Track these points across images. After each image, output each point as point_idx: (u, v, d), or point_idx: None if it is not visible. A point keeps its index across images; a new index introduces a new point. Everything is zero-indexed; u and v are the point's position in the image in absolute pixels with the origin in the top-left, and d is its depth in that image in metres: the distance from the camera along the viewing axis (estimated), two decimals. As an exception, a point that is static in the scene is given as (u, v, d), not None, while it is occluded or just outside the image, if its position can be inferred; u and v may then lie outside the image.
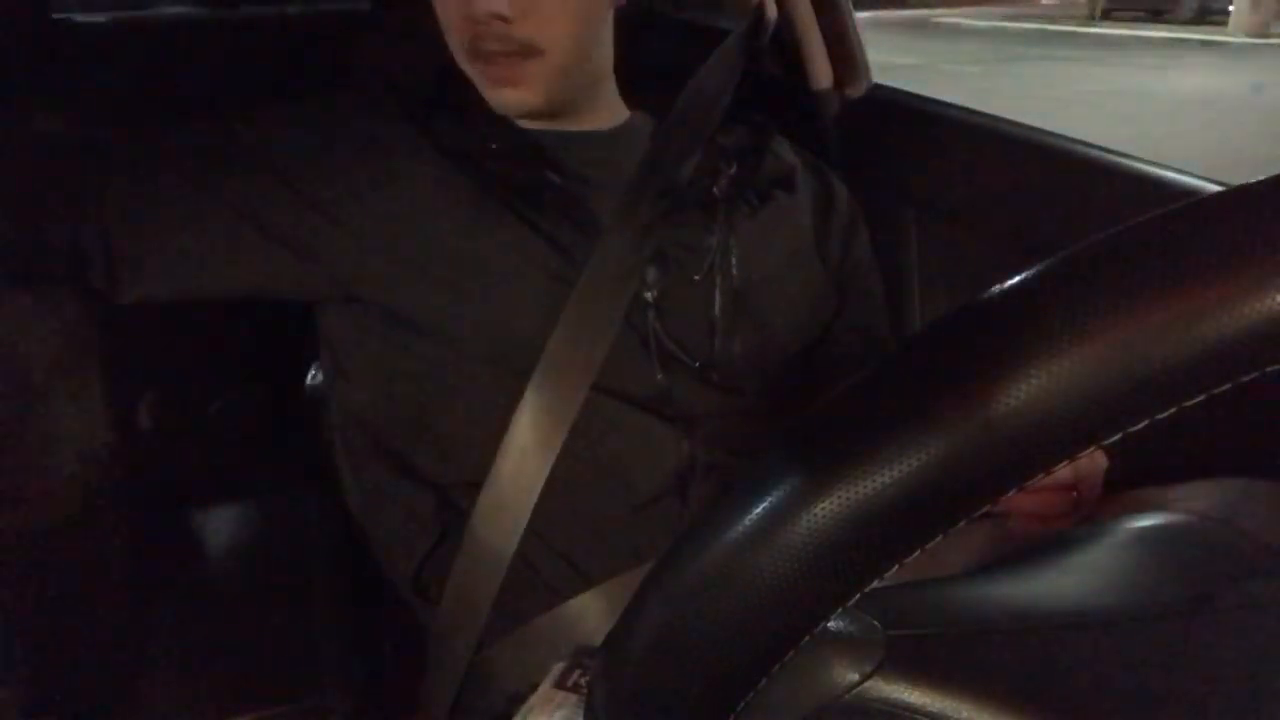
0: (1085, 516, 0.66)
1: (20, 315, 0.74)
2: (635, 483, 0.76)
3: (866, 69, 1.21)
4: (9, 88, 1.20)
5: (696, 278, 0.80)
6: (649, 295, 0.78)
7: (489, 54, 0.76)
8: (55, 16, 1.38)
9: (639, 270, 0.77)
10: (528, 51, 0.75)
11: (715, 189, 0.83)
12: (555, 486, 0.75)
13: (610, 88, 0.87)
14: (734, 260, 0.81)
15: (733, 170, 0.85)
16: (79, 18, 1.41)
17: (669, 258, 0.79)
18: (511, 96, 0.78)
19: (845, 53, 1.20)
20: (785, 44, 1.21)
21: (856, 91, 1.21)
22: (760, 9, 1.11)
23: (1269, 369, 0.23)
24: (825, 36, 1.20)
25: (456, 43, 0.77)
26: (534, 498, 0.74)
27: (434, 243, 0.75)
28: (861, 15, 1.23)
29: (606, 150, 0.84)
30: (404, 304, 0.76)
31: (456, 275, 0.75)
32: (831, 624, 0.31)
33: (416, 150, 0.78)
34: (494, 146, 0.79)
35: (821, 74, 1.21)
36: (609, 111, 0.87)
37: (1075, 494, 0.66)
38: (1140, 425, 0.24)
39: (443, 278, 0.75)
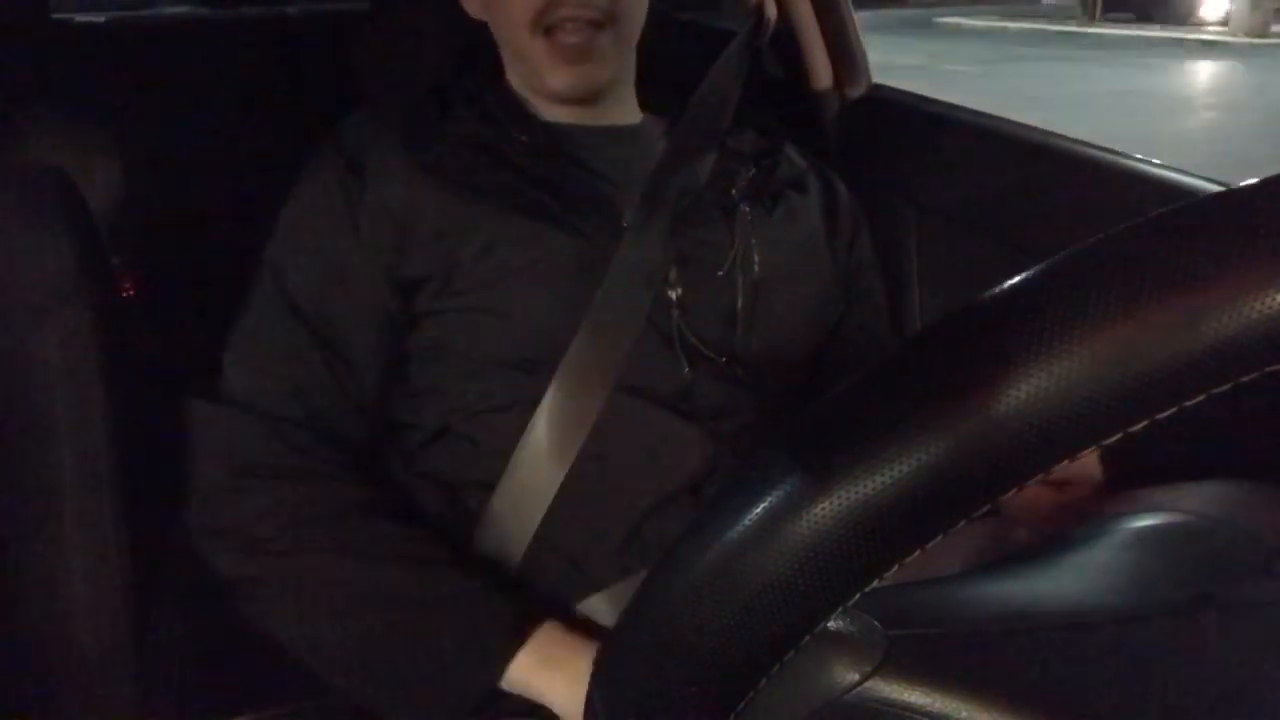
0: (1081, 516, 0.66)
1: (21, 319, 0.74)
2: (653, 483, 0.76)
3: (866, 69, 1.21)
4: (9, 88, 1.20)
5: (720, 273, 0.80)
6: (673, 294, 0.78)
7: (563, 23, 0.75)
8: (55, 16, 1.38)
9: (663, 271, 0.77)
10: (604, 20, 0.76)
11: (734, 191, 0.83)
12: (566, 491, 0.74)
13: (632, 83, 0.88)
14: (755, 257, 0.82)
15: (750, 174, 0.85)
16: (79, 18, 1.41)
17: (690, 256, 0.80)
18: (580, 74, 0.78)
19: (845, 53, 1.20)
20: (785, 44, 1.21)
21: (856, 91, 1.21)
22: (760, 9, 1.12)
23: (1269, 369, 0.23)
24: (825, 36, 1.20)
25: (521, 16, 0.76)
26: (547, 501, 0.74)
27: (461, 255, 0.75)
28: (861, 14, 1.23)
29: (628, 147, 0.84)
30: (434, 333, 0.77)
31: (484, 290, 0.75)
32: (831, 624, 0.31)
33: (439, 148, 0.78)
34: (524, 139, 0.79)
35: (821, 74, 1.21)
36: (630, 108, 0.88)
37: (1071, 493, 0.66)
38: (1140, 425, 0.24)
39: (471, 297, 0.75)
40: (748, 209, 0.83)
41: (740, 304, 0.80)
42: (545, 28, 0.76)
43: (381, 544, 0.71)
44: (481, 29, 0.85)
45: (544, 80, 0.79)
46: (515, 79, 0.85)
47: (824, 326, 0.90)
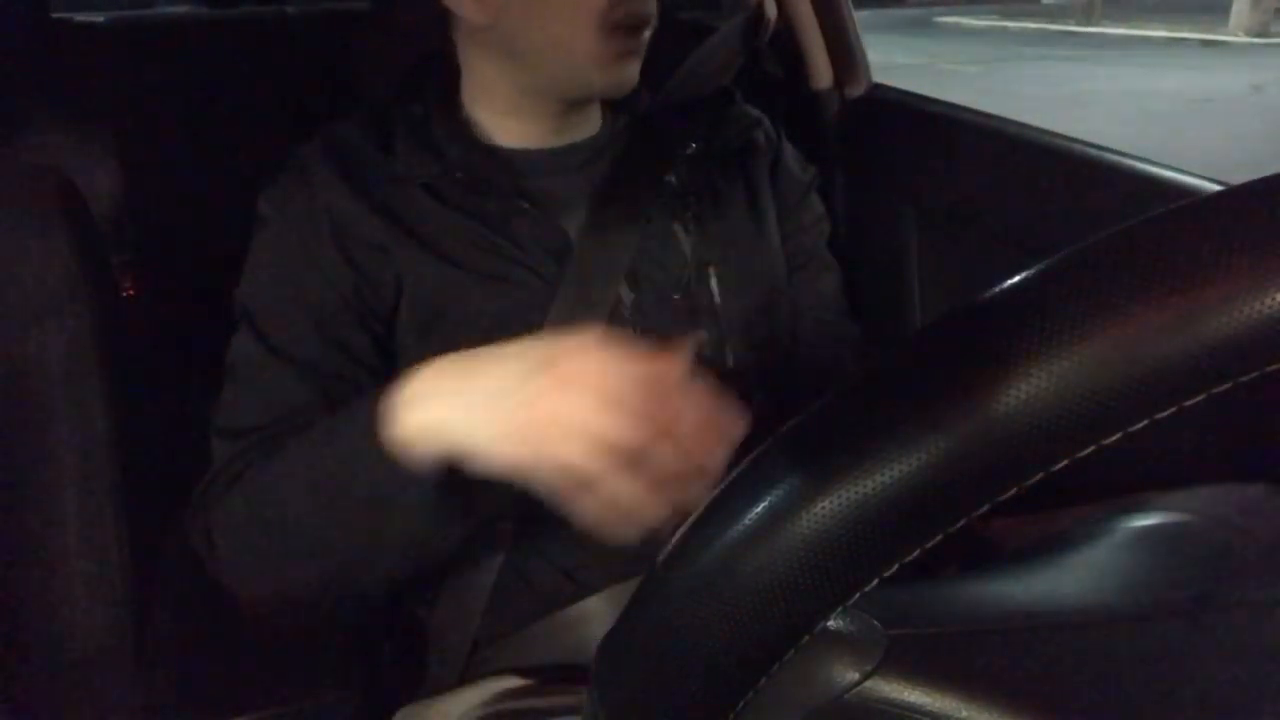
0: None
1: (21, 318, 0.74)
2: None
3: (866, 69, 1.21)
4: (9, 87, 1.20)
5: (676, 297, 0.79)
6: (631, 318, 0.77)
7: (629, 21, 0.74)
8: (55, 16, 1.38)
9: (614, 285, 0.76)
10: (651, 20, 0.76)
11: (674, 179, 0.82)
12: (546, 508, 0.74)
13: None
14: (711, 277, 0.80)
15: (690, 150, 0.84)
16: (79, 18, 1.41)
17: (642, 276, 0.78)
18: (633, 70, 0.77)
19: (845, 53, 1.20)
20: (785, 44, 1.21)
21: (856, 91, 1.21)
22: (759, 8, 1.11)
23: (1269, 369, 0.23)
24: (825, 36, 1.20)
25: (587, 13, 0.73)
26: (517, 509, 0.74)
27: (417, 296, 0.75)
28: (861, 14, 1.23)
29: (582, 164, 0.82)
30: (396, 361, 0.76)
31: (439, 328, 0.74)
32: (831, 624, 0.31)
33: (387, 188, 0.76)
34: (458, 175, 0.77)
35: (821, 74, 1.21)
36: (595, 118, 0.85)
37: None
38: (1140, 425, 0.24)
39: (426, 334, 0.74)
40: (695, 211, 0.82)
41: (704, 330, 0.79)
42: (611, 25, 0.74)
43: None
44: (442, 39, 0.83)
45: (591, 79, 0.77)
46: (492, 89, 0.80)
47: (786, 310, 0.88)
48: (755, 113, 0.91)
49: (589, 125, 0.84)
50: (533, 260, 0.76)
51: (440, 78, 0.83)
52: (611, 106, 0.87)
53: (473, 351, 0.60)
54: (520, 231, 0.76)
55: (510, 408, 0.56)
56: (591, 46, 0.74)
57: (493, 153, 0.80)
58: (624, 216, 0.79)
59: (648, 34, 0.77)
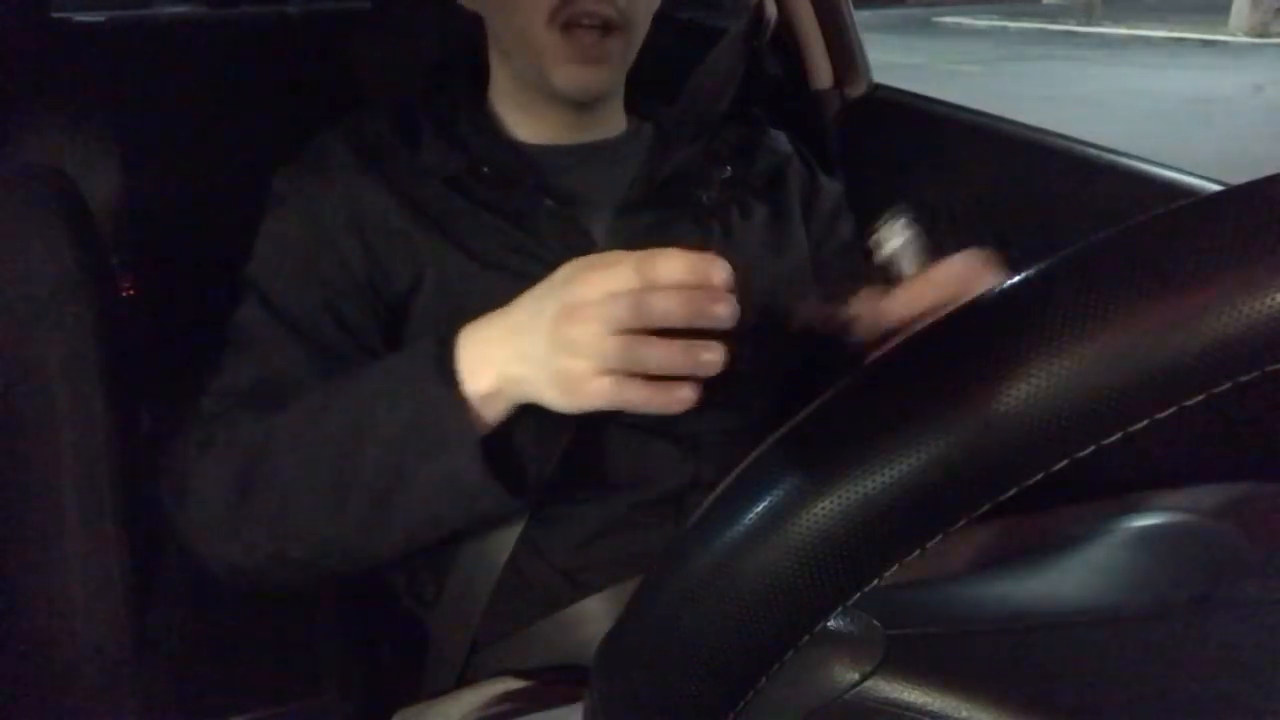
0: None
1: (21, 318, 0.74)
2: (636, 499, 0.76)
3: (867, 69, 1.21)
4: (9, 87, 1.20)
5: None
6: None
7: (581, 19, 0.72)
8: (55, 16, 1.38)
9: None
10: (619, 23, 0.74)
11: (705, 198, 0.82)
12: (551, 500, 0.74)
13: (622, 93, 0.86)
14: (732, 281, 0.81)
15: (726, 174, 0.84)
16: (79, 18, 1.41)
17: None
18: (591, 76, 0.75)
19: (845, 53, 1.20)
20: (785, 44, 1.21)
21: (856, 91, 1.21)
22: (759, 8, 1.11)
23: (1269, 369, 0.23)
24: (825, 36, 1.20)
25: (538, 8, 0.73)
26: (520, 519, 0.74)
27: (439, 286, 0.75)
28: (861, 14, 1.23)
29: (606, 164, 0.82)
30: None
31: (459, 319, 0.74)
32: (831, 624, 0.31)
33: (409, 180, 0.76)
34: (485, 170, 0.77)
35: (821, 74, 1.21)
36: (616, 119, 0.86)
37: None
38: (1140, 425, 0.24)
39: (446, 323, 0.75)
40: (723, 216, 0.82)
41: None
42: (563, 23, 0.73)
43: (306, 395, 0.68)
44: (470, 34, 0.83)
45: (549, 79, 0.76)
46: (503, 84, 0.82)
47: (802, 328, 0.89)
48: (787, 145, 0.92)
49: (609, 125, 0.85)
50: (555, 258, 0.76)
51: (466, 74, 0.83)
52: (637, 109, 0.88)
53: (497, 313, 0.63)
54: (543, 229, 0.76)
55: (544, 352, 0.59)
56: (547, 43, 0.74)
57: (518, 149, 0.81)
58: (649, 225, 0.79)
59: (617, 43, 0.75)
